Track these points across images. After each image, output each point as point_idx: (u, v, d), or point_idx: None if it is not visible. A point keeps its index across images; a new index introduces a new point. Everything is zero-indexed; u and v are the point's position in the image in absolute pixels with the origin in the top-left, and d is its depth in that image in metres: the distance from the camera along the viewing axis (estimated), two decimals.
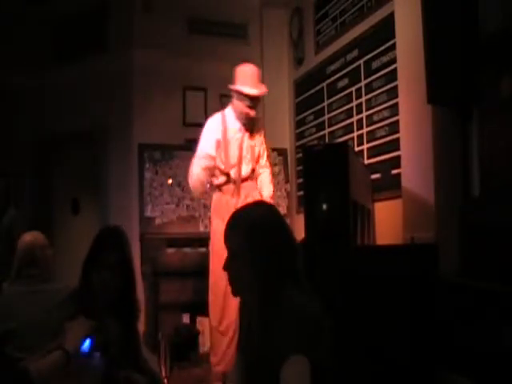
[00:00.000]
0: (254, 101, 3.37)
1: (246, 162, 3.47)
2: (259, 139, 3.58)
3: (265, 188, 3.56)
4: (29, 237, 2.83)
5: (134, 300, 2.01)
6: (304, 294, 1.48)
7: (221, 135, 3.41)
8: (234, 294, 1.56)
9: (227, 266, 1.53)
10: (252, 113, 3.38)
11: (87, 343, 1.68)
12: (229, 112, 3.52)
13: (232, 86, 3.40)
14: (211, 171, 3.39)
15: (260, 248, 1.48)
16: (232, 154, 3.42)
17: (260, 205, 1.73)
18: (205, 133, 3.50)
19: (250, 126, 3.49)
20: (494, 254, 2.40)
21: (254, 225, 1.51)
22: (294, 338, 1.35)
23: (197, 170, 3.40)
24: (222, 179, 3.43)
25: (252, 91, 3.34)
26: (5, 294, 2.71)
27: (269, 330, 1.42)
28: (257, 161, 3.54)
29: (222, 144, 3.39)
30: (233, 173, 3.42)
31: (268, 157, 3.68)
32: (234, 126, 3.45)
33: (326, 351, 1.39)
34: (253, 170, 3.51)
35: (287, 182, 5.36)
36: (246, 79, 3.36)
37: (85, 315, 1.87)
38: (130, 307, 2.00)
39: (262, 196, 3.46)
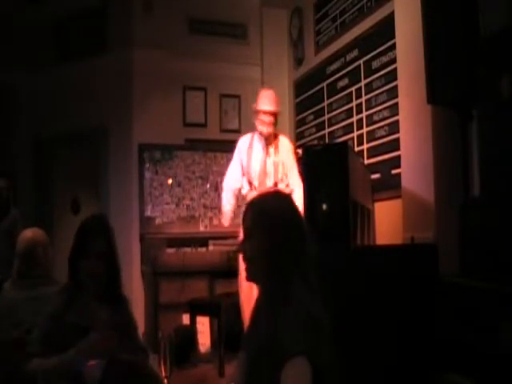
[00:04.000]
0: (269, 118, 3.73)
1: (269, 177, 3.77)
2: (286, 156, 3.82)
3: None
4: (30, 233, 2.75)
5: (120, 285, 2.03)
6: (310, 293, 1.47)
7: (246, 153, 3.83)
8: (247, 278, 1.57)
9: (241, 248, 1.56)
10: (266, 129, 3.73)
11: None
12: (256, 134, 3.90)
13: (254, 106, 3.82)
14: (236, 192, 3.92)
15: (271, 232, 1.49)
16: (254, 169, 3.78)
17: (277, 193, 1.75)
18: (235, 153, 3.94)
19: (272, 143, 3.81)
20: (494, 254, 2.39)
21: (267, 209, 1.54)
22: (299, 339, 1.35)
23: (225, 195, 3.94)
24: (247, 189, 3.81)
25: (267, 107, 3.75)
26: (7, 299, 2.65)
27: (272, 328, 1.42)
28: (283, 177, 3.80)
29: (247, 160, 3.81)
30: (255, 183, 3.77)
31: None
32: (258, 145, 3.83)
33: (329, 353, 1.38)
34: (275, 184, 3.76)
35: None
36: (264, 100, 3.77)
37: (74, 305, 1.88)
38: (118, 293, 2.03)
39: None
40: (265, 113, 3.73)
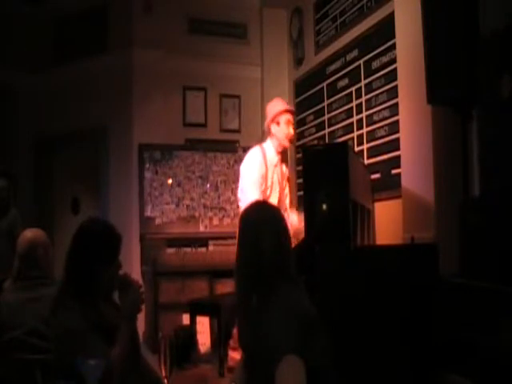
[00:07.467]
0: (291, 116, 3.62)
1: (275, 194, 3.66)
2: (285, 172, 3.78)
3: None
4: (30, 234, 2.72)
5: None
6: (298, 293, 1.50)
7: (264, 169, 3.55)
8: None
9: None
10: (286, 138, 3.58)
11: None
12: (268, 146, 3.64)
13: (267, 122, 3.62)
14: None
15: (249, 240, 1.58)
16: (268, 186, 3.62)
17: (258, 204, 1.86)
18: (249, 168, 3.55)
19: (282, 158, 3.71)
20: (494, 254, 2.40)
21: (249, 219, 1.65)
22: (290, 338, 1.36)
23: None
24: None
25: (287, 106, 3.64)
26: (7, 300, 2.64)
27: (263, 327, 1.43)
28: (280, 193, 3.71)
29: (264, 177, 3.56)
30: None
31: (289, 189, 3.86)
32: (273, 160, 3.62)
33: (321, 350, 1.40)
34: (278, 201, 3.65)
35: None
36: (279, 102, 3.66)
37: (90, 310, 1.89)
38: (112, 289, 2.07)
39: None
40: (287, 111, 3.58)
